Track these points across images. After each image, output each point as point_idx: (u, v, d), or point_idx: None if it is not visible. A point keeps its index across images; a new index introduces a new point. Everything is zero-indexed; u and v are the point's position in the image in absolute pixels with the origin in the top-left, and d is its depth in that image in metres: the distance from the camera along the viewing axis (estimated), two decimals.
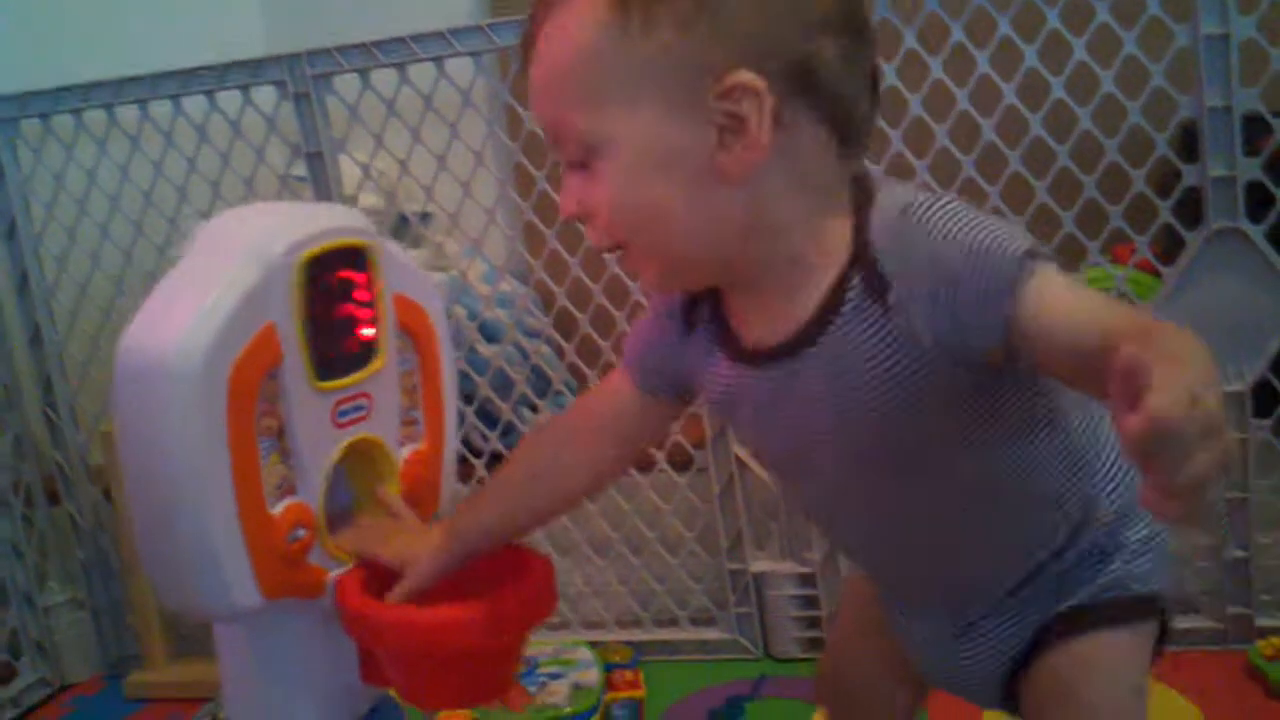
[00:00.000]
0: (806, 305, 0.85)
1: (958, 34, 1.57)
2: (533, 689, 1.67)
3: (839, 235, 0.84)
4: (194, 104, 1.84)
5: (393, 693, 1.16)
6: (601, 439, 1.04)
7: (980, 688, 0.99)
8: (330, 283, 1.03)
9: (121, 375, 0.96)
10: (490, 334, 1.92)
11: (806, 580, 1.79)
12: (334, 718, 1.12)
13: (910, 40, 1.57)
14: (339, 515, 1.11)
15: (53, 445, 1.98)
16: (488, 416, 1.90)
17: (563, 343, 1.84)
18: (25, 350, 1.96)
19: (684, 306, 0.94)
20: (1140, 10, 1.52)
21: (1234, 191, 1.53)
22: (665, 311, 0.96)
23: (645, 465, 1.82)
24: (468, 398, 1.86)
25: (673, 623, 1.88)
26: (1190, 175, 1.55)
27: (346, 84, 1.78)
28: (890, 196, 0.83)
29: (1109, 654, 0.92)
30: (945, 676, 1.02)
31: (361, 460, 1.11)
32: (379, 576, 1.08)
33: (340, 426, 1.06)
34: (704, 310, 0.93)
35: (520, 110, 1.74)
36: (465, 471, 1.75)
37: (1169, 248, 1.60)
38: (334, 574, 1.08)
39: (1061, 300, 0.76)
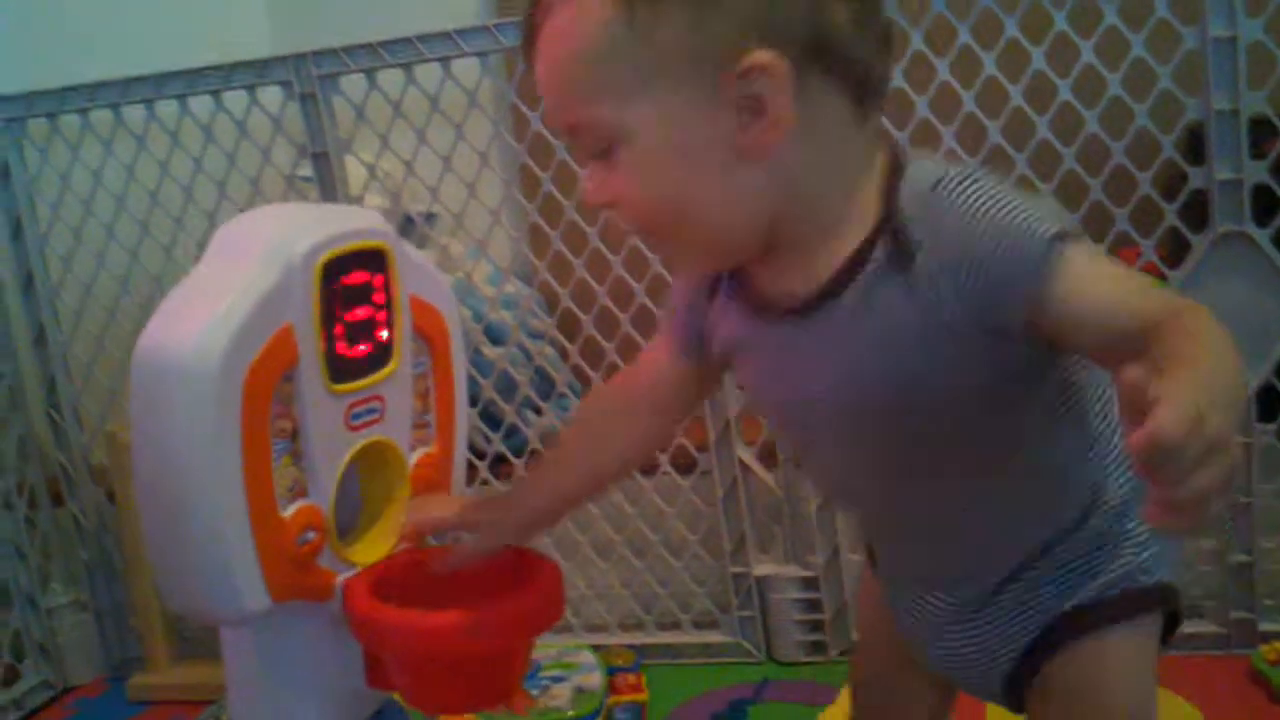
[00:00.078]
0: (829, 266, 0.85)
1: (965, 36, 1.57)
2: (535, 692, 1.67)
3: (866, 202, 0.84)
4: (200, 104, 1.84)
5: (398, 697, 1.16)
6: (645, 408, 1.05)
7: (981, 680, 0.98)
8: (348, 285, 1.03)
9: (138, 375, 0.96)
10: (495, 336, 1.92)
11: (809, 584, 1.79)
12: None
13: (917, 42, 1.57)
14: (349, 518, 1.11)
15: (56, 446, 1.98)
16: (491, 418, 1.90)
17: (567, 344, 1.84)
18: (30, 350, 1.96)
19: None
20: (1148, 13, 1.52)
21: (1240, 195, 1.54)
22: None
23: (649, 468, 1.82)
24: (472, 399, 1.86)
25: (675, 626, 1.88)
26: (1196, 178, 1.55)
27: (352, 84, 1.78)
28: (923, 167, 0.83)
29: (1120, 652, 0.91)
30: (945, 664, 1.01)
31: (373, 463, 1.10)
32: (388, 580, 1.08)
33: (353, 429, 1.06)
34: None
35: (526, 111, 1.74)
36: (468, 474, 1.75)
37: (1175, 251, 1.60)
38: (342, 577, 1.08)
39: (1091, 283, 0.77)
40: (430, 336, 1.14)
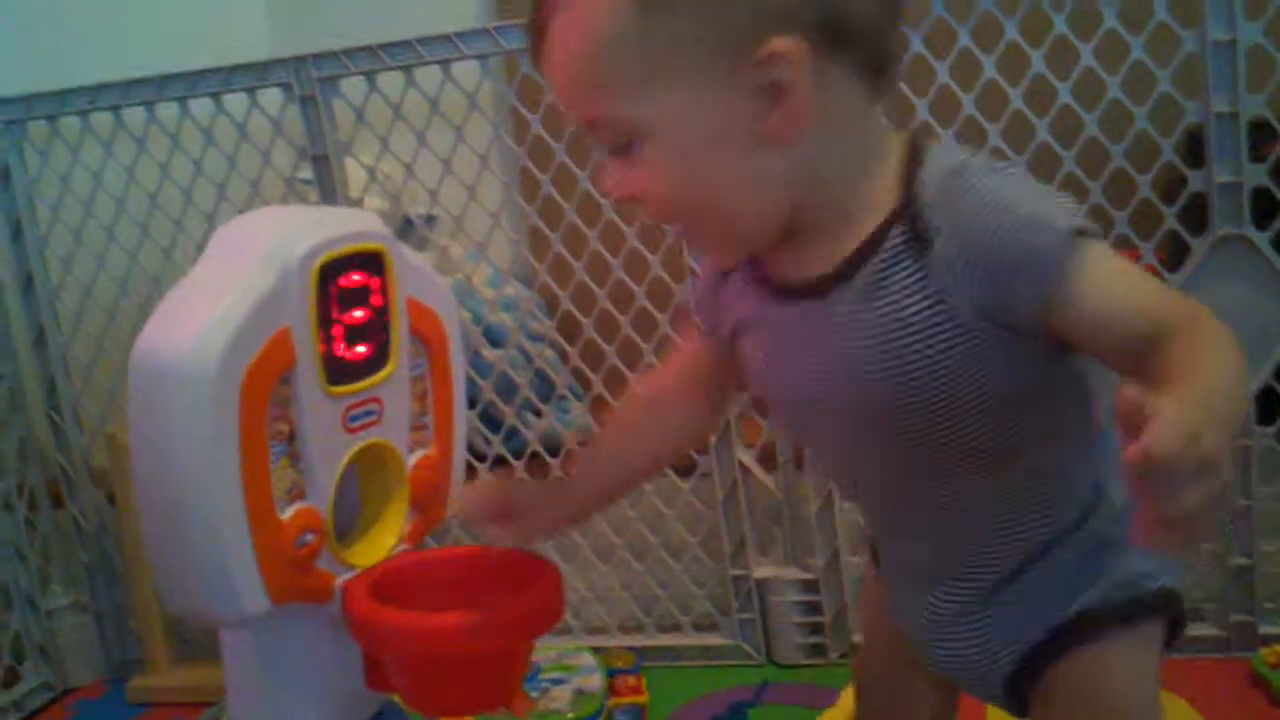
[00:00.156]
0: (844, 248, 0.85)
1: (964, 38, 1.57)
2: (535, 694, 1.67)
3: (884, 185, 0.84)
4: (200, 106, 1.84)
5: (397, 699, 1.16)
6: (680, 396, 1.05)
7: (982, 682, 0.98)
8: (345, 287, 1.03)
9: (136, 377, 0.96)
10: (494, 338, 1.93)
11: (810, 586, 1.79)
12: None
13: (917, 45, 1.57)
14: (347, 520, 1.11)
15: (56, 448, 1.98)
16: (491, 420, 1.90)
17: (567, 347, 1.84)
18: (30, 352, 1.95)
19: None
20: (1148, 16, 1.52)
21: (1239, 198, 1.53)
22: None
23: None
24: (471, 401, 1.86)
25: (675, 628, 1.88)
26: (1196, 181, 1.55)
27: (352, 87, 1.78)
28: (945, 154, 0.83)
29: (1124, 658, 0.91)
30: (948, 664, 1.00)
31: (371, 465, 1.11)
32: (387, 581, 1.08)
33: (351, 431, 1.06)
34: None
35: (526, 114, 1.74)
36: (468, 476, 1.75)
37: (1174, 254, 1.60)
38: (341, 579, 1.08)
39: (1106, 283, 0.77)
40: (428, 339, 1.14)
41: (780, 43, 0.78)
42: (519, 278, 2.00)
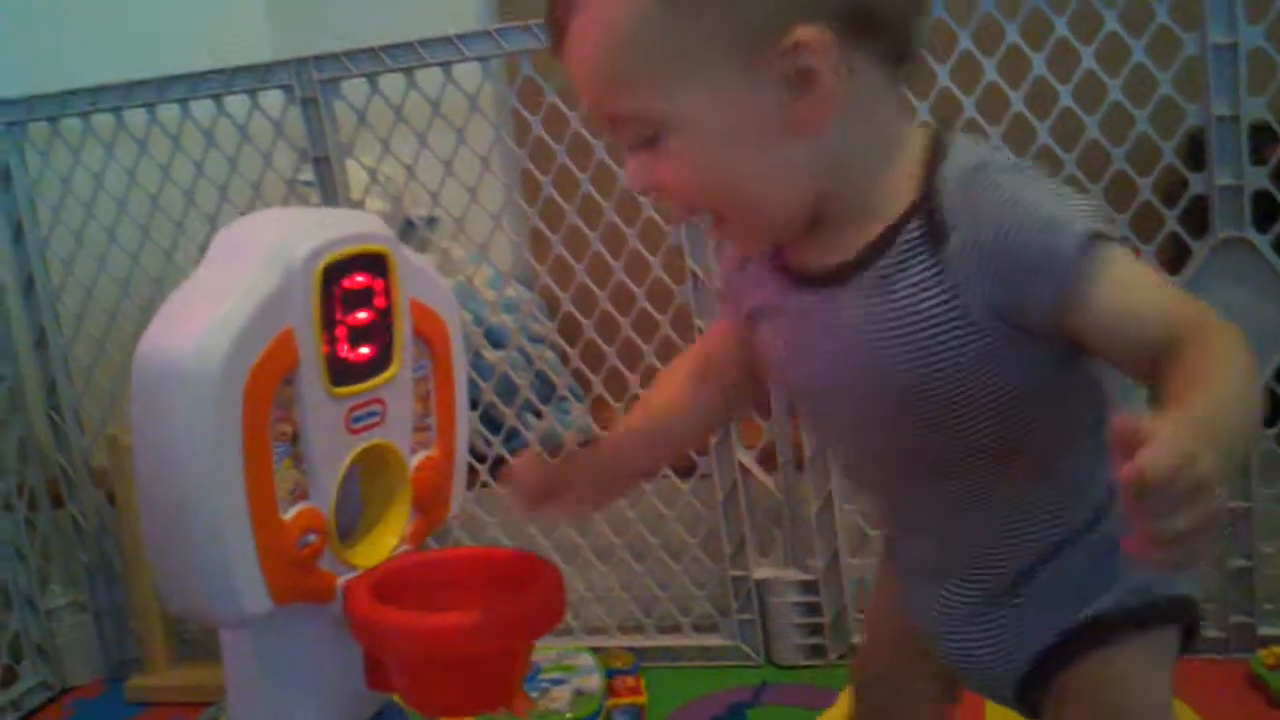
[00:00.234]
0: (863, 238, 0.85)
1: (965, 41, 1.57)
2: (535, 695, 1.67)
3: (905, 177, 0.84)
4: (201, 108, 1.84)
5: (398, 699, 1.16)
6: (712, 375, 1.04)
7: (993, 682, 0.98)
8: (349, 288, 1.03)
9: (139, 379, 0.96)
10: (495, 339, 1.93)
11: (809, 587, 1.79)
12: None
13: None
14: (349, 521, 1.11)
15: (57, 448, 1.97)
16: (491, 421, 1.90)
17: (567, 348, 1.84)
18: (30, 353, 1.95)
19: None
20: (1149, 19, 1.52)
21: (1240, 200, 1.53)
22: None
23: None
24: (472, 403, 1.86)
25: (675, 629, 1.88)
26: (1197, 184, 1.55)
27: (354, 89, 1.78)
28: (968, 150, 0.83)
29: (1137, 664, 0.90)
30: (958, 661, 1.00)
31: (374, 466, 1.11)
32: (389, 582, 1.09)
33: (354, 432, 1.06)
34: None
35: (528, 115, 1.74)
36: (469, 478, 1.75)
37: (1175, 257, 1.60)
38: (343, 579, 1.08)
39: (1124, 288, 0.77)
40: (431, 340, 1.14)
41: (806, 31, 0.78)
42: (520, 279, 2.00)
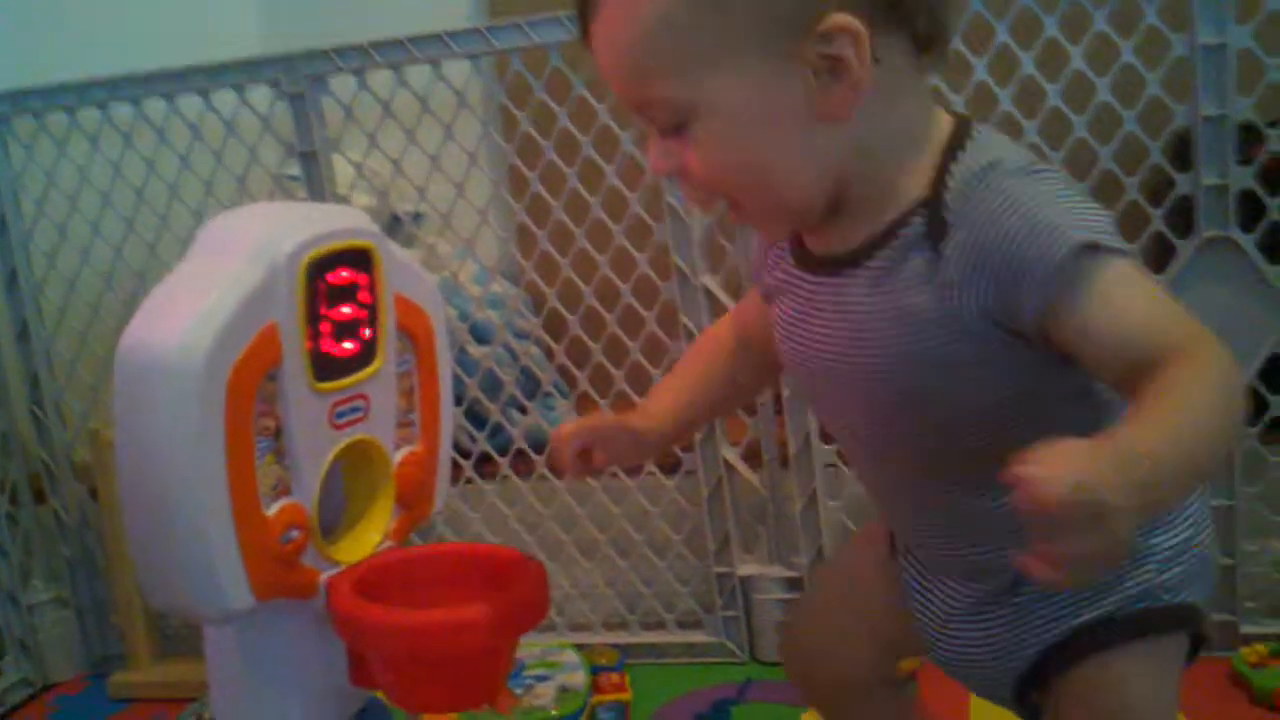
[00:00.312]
0: (868, 229, 0.85)
1: (956, 41, 1.57)
2: (519, 691, 1.66)
3: (922, 168, 0.84)
4: (188, 102, 1.83)
5: (381, 695, 1.16)
6: (750, 342, 1.06)
7: (990, 683, 0.98)
8: (333, 283, 1.02)
9: (121, 373, 0.96)
10: (480, 335, 1.92)
11: (794, 584, 1.79)
12: None
13: None
14: (332, 516, 1.11)
15: (39, 443, 1.97)
16: (476, 417, 1.89)
17: (552, 344, 1.84)
18: (12, 346, 1.95)
19: None
20: (1137, 19, 1.52)
21: (1226, 200, 1.54)
22: None
23: (633, 468, 1.82)
24: (457, 398, 1.86)
25: (659, 626, 1.88)
26: (1183, 184, 1.55)
27: (342, 84, 1.78)
28: (984, 148, 0.83)
29: (1139, 671, 0.90)
30: (954, 663, 1.00)
31: (357, 462, 1.10)
32: (372, 578, 1.08)
33: (338, 428, 1.06)
34: None
35: (515, 111, 1.74)
36: (453, 473, 1.75)
37: (1160, 256, 1.60)
38: (326, 575, 1.07)
39: (1112, 303, 0.76)
40: (415, 335, 1.14)
41: (839, 18, 0.77)
42: (506, 275, 2.00)
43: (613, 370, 1.78)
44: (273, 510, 1.01)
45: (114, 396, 0.97)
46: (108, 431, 1.76)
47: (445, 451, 1.21)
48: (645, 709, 1.69)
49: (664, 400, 1.08)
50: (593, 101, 1.70)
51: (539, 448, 1.85)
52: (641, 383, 1.74)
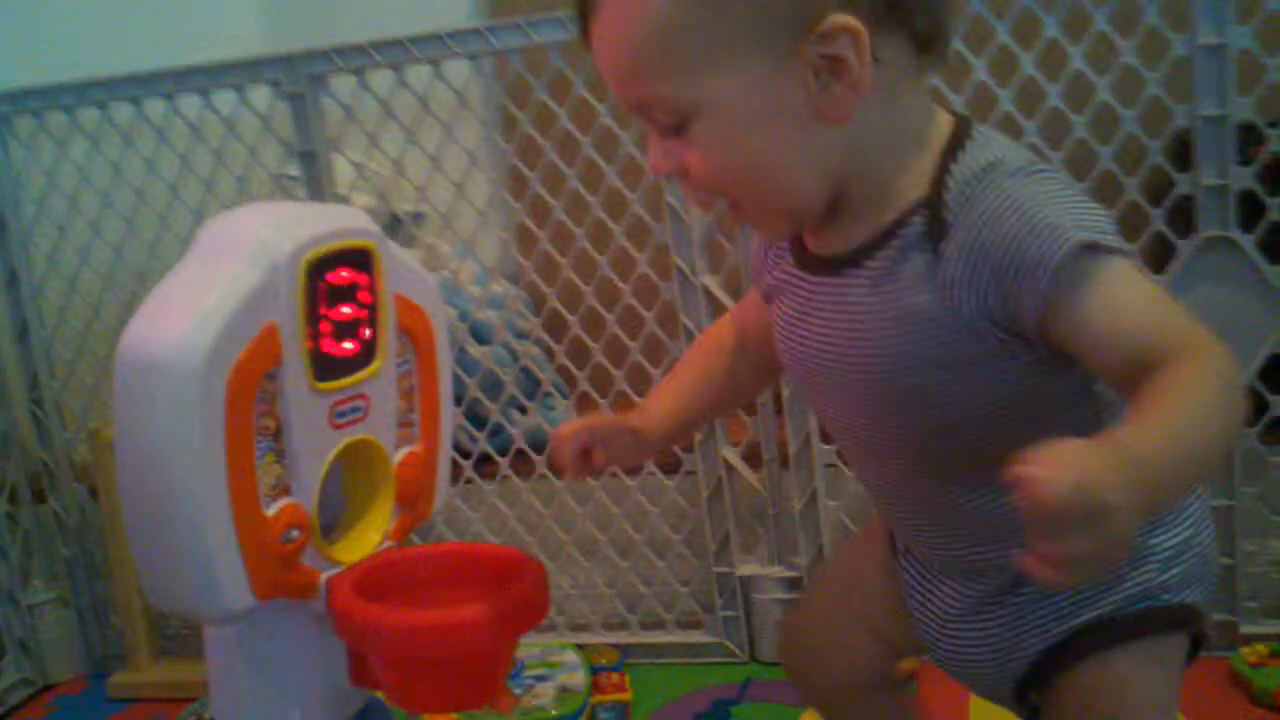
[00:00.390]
0: (869, 229, 0.85)
1: (956, 41, 1.57)
2: (519, 691, 1.67)
3: (922, 169, 0.84)
4: (188, 102, 1.83)
5: (381, 695, 1.16)
6: (749, 342, 1.06)
7: (990, 684, 0.98)
8: (333, 283, 1.02)
9: (122, 373, 0.96)
10: (480, 335, 1.92)
11: (793, 584, 1.79)
12: None
13: None
14: (332, 516, 1.11)
15: (39, 442, 1.97)
16: (476, 418, 1.89)
17: (552, 344, 1.84)
18: (12, 346, 1.95)
19: None
20: (1138, 20, 1.52)
21: (1225, 200, 1.54)
22: None
23: (633, 468, 1.82)
24: (457, 399, 1.86)
25: (659, 625, 1.88)
26: (1183, 184, 1.55)
27: (342, 84, 1.78)
28: (984, 148, 0.83)
29: (1140, 670, 0.90)
30: (953, 663, 1.00)
31: (357, 462, 1.10)
32: (372, 578, 1.08)
33: (337, 427, 1.06)
34: None
35: (516, 112, 1.74)
36: (453, 474, 1.75)
37: (1160, 256, 1.60)
38: (326, 575, 1.07)
39: (1111, 303, 0.77)
40: (415, 335, 1.13)
41: (839, 18, 0.77)
42: (506, 275, 2.00)
43: (613, 370, 1.79)
44: (273, 510, 1.01)
45: (114, 396, 0.97)
46: (108, 431, 1.76)
47: (445, 451, 1.21)
48: (645, 709, 1.69)
49: (663, 400, 1.08)
50: (593, 102, 1.70)
51: (539, 448, 1.85)
52: (641, 383, 1.74)
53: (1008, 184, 0.80)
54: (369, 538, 1.12)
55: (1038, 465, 0.64)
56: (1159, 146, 1.56)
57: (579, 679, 1.69)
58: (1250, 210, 1.54)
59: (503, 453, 1.88)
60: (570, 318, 1.80)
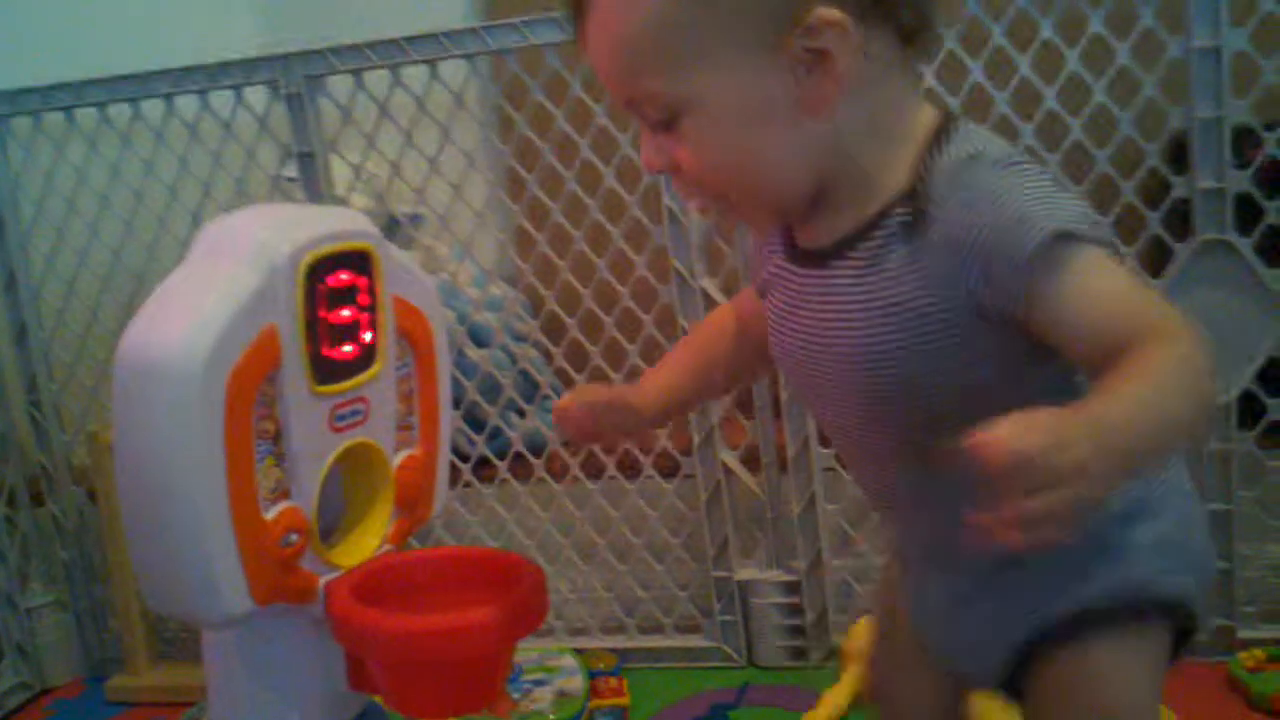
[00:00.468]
0: (853, 221, 0.86)
1: (952, 42, 1.57)
2: (517, 696, 1.67)
3: (905, 161, 0.84)
4: (185, 103, 1.83)
5: (380, 700, 1.16)
6: (747, 332, 1.06)
7: (980, 671, 0.98)
8: (333, 286, 1.02)
9: (121, 376, 0.96)
10: (479, 337, 1.92)
11: (791, 588, 1.79)
12: None
13: None
14: (332, 520, 1.11)
15: (37, 445, 1.97)
16: (474, 420, 1.89)
17: (551, 347, 1.84)
18: (11, 348, 1.95)
19: None
20: (1133, 22, 1.52)
21: (1223, 203, 1.54)
22: None
23: (632, 471, 1.82)
24: (455, 401, 1.85)
25: (657, 630, 1.88)
26: (1179, 187, 1.55)
27: (339, 85, 1.78)
28: (966, 141, 0.84)
29: (1120, 659, 0.90)
30: (948, 652, 1.00)
31: (356, 465, 1.10)
32: (371, 583, 1.08)
33: (337, 431, 1.06)
34: None
35: (513, 113, 1.74)
36: (452, 477, 1.75)
37: (1158, 259, 1.60)
38: (325, 579, 1.07)
39: (1086, 290, 0.77)
40: (414, 338, 1.14)
41: (824, 12, 0.78)
42: (504, 277, 2.00)
43: (611, 373, 1.78)
44: (272, 514, 1.01)
45: (113, 399, 0.97)
46: (106, 434, 1.76)
47: (444, 455, 1.21)
48: (643, 713, 1.69)
49: (660, 379, 1.09)
50: (589, 103, 1.70)
51: (537, 451, 1.85)
52: None
53: (987, 176, 0.81)
54: (368, 541, 1.13)
55: (1004, 428, 0.65)
56: (1156, 149, 1.56)
57: (577, 683, 1.69)
58: (1247, 213, 1.54)
59: (501, 456, 1.88)
60: (568, 320, 1.80)
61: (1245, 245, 1.54)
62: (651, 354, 1.74)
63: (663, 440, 1.78)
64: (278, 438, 1.01)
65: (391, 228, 1.89)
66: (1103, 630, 0.90)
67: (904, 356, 0.84)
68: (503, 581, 1.07)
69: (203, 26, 2.25)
